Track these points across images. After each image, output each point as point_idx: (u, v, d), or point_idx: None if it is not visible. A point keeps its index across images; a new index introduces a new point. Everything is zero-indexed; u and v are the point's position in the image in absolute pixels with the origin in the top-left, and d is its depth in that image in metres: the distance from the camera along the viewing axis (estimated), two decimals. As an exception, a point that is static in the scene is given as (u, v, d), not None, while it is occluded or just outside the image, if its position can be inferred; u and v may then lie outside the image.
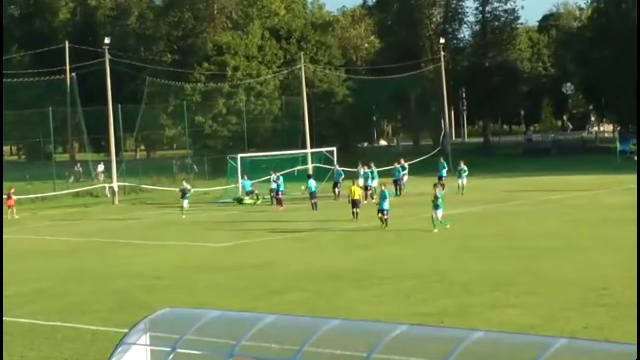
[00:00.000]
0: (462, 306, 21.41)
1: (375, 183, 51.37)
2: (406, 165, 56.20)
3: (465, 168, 52.07)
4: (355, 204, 40.62)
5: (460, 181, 51.15)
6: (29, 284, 27.22)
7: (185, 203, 48.35)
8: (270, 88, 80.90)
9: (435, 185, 38.75)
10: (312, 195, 48.06)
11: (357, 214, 40.33)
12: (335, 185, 53.40)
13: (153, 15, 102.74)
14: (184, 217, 46.55)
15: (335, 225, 39.50)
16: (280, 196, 50.28)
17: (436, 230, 34.83)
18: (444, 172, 54.13)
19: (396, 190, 52.48)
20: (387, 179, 53.95)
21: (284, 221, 42.73)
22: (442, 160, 55.65)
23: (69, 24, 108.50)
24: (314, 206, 47.21)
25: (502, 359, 11.07)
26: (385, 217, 37.10)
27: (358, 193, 41.30)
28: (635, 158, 65.21)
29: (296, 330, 12.24)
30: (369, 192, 49.41)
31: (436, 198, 35.74)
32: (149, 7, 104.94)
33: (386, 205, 37.27)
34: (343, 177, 54.38)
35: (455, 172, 51.72)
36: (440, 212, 35.57)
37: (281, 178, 51.46)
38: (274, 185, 51.47)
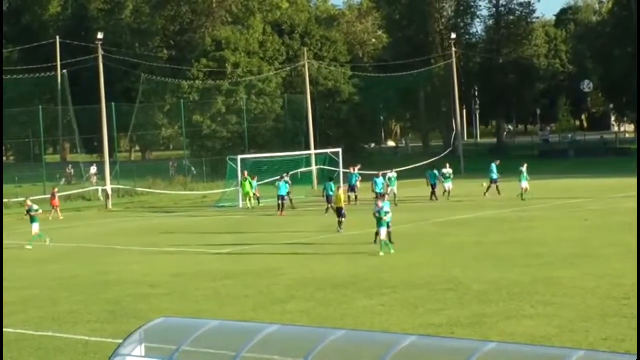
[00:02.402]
0: (474, 316, 21.41)
1: (394, 189, 51.04)
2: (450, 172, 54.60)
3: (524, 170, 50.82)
4: (340, 212, 38.94)
5: (523, 184, 50.26)
6: (17, 292, 27.23)
7: (36, 227, 38.97)
8: (272, 86, 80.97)
9: (377, 197, 36.68)
10: (329, 199, 46.23)
11: (342, 223, 38.43)
12: (352, 190, 52.72)
13: (148, 8, 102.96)
14: (29, 247, 38.30)
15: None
16: (283, 201, 49.99)
17: (381, 253, 31.28)
18: (496, 174, 52.71)
19: (431, 194, 52.38)
20: (408, 180, 53.97)
21: (287, 226, 42.74)
22: (497, 162, 53.99)
23: (59, 18, 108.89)
24: (328, 210, 45.44)
25: (517, 371, 11.09)
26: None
27: (343, 199, 39.99)
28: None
29: (299, 341, 12.25)
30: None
31: (380, 213, 31.80)
32: (144, 1, 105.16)
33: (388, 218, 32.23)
34: (360, 179, 54.13)
35: (518, 175, 50.79)
36: (384, 231, 31.72)
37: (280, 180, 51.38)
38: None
